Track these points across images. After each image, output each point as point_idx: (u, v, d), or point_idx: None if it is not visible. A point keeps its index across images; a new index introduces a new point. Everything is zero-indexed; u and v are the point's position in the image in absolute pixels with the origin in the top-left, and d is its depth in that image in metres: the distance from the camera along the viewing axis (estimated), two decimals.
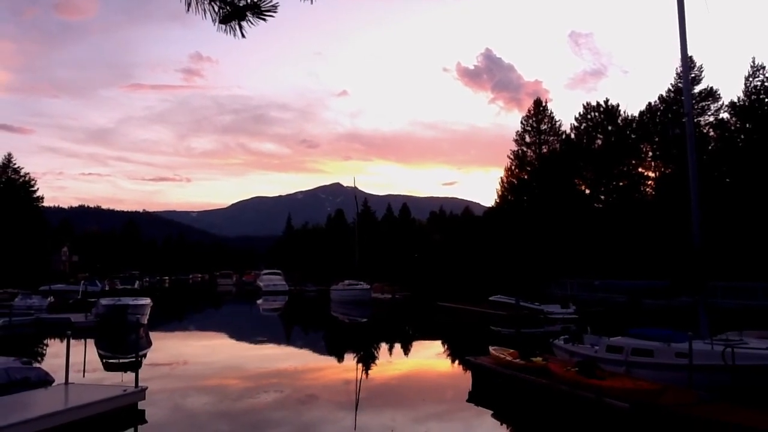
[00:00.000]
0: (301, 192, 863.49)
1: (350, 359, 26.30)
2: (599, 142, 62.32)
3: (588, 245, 53.61)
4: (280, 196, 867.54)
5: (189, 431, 13.89)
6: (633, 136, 59.86)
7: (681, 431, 11.78)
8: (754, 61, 49.28)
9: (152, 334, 33.44)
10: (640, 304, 32.70)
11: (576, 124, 64.70)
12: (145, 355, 25.47)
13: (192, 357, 26.05)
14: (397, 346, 31.44)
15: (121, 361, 24.24)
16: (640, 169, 59.97)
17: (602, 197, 61.90)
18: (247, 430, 13.94)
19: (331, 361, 27.01)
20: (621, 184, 59.72)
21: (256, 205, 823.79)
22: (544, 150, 68.85)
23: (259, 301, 69.30)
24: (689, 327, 17.23)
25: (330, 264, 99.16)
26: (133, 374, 15.20)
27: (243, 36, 2.96)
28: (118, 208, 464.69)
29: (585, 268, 50.33)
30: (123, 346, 28.19)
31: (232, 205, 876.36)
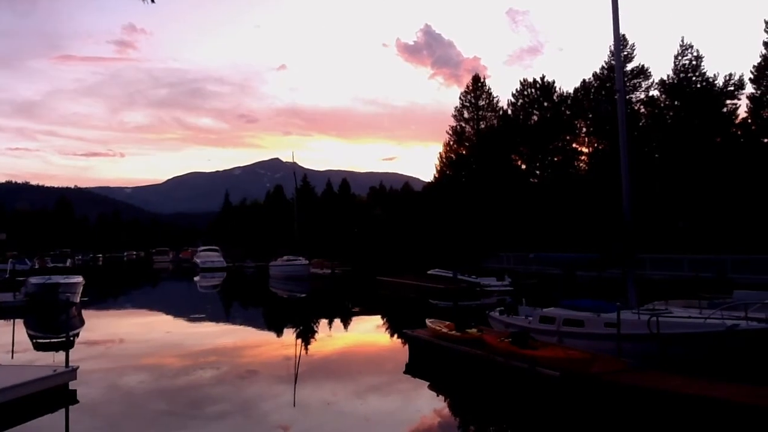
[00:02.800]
0: (239, 167, 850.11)
1: (289, 335, 26.25)
2: (535, 118, 63.29)
3: (524, 219, 54.60)
4: (217, 171, 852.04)
5: (124, 410, 13.60)
6: (568, 113, 60.98)
7: (609, 398, 12.17)
8: (683, 40, 50.74)
9: (85, 313, 32.59)
10: (573, 276, 33.59)
11: (513, 100, 65.54)
12: (77, 335, 24.84)
13: (128, 335, 25.52)
14: (337, 321, 31.53)
15: (51, 341, 23.56)
16: (574, 145, 61.22)
17: (538, 172, 63.03)
18: (186, 407, 13.76)
19: (270, 336, 26.89)
20: (556, 159, 60.88)
21: (193, 180, 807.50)
22: (482, 126, 69.52)
23: (197, 278, 68.43)
24: (619, 298, 17.80)
25: (269, 240, 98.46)
26: (65, 354, 14.81)
27: (152, 1, 2.85)
28: (48, 184, 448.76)
29: (521, 241, 51.29)
30: (54, 325, 27.41)
31: (168, 180, 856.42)
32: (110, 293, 52.74)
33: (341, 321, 31.55)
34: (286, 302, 44.62)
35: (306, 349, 22.24)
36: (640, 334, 14.27)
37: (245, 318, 34.54)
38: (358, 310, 36.39)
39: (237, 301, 46.53)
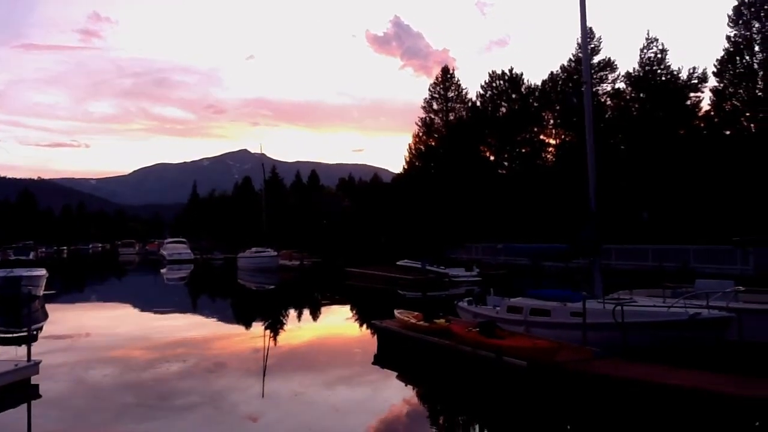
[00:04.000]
0: (207, 158, 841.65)
1: (258, 327, 26.11)
2: (504, 110, 63.65)
3: (492, 210, 54.97)
4: (185, 162, 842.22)
5: (89, 404, 13.43)
6: (536, 105, 61.44)
7: (575, 387, 12.34)
8: (648, 34, 51.38)
9: (49, 307, 32.05)
10: (541, 266, 33.95)
11: (482, 92, 65.81)
12: (40, 329, 24.39)
13: (93, 329, 25.13)
14: (306, 312, 31.50)
15: (13, 335, 23.11)
16: (542, 137, 61.75)
17: (506, 164, 63.47)
18: (153, 400, 13.62)
19: (238, 328, 26.74)
20: (524, 151, 61.35)
21: (160, 172, 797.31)
22: (451, 117, 69.77)
23: (163, 271, 67.74)
24: (585, 287, 18.03)
25: (237, 232, 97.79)
26: (26, 348, 14.53)
27: None
28: (10, 175, 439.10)
29: (489, 232, 51.65)
30: (16, 319, 26.89)
31: (135, 172, 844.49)
32: (75, 286, 51.95)
33: (310, 312, 31.50)
34: (255, 294, 44.39)
35: (275, 340, 22.17)
36: (605, 323, 14.47)
37: (213, 310, 34.28)
38: (327, 302, 36.38)
39: (205, 294, 46.16)
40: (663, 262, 32.82)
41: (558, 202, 44.46)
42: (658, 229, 40.61)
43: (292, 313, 31.40)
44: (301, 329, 25.59)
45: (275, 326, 26.18)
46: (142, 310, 32.71)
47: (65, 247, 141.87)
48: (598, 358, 13.27)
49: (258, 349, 19.80)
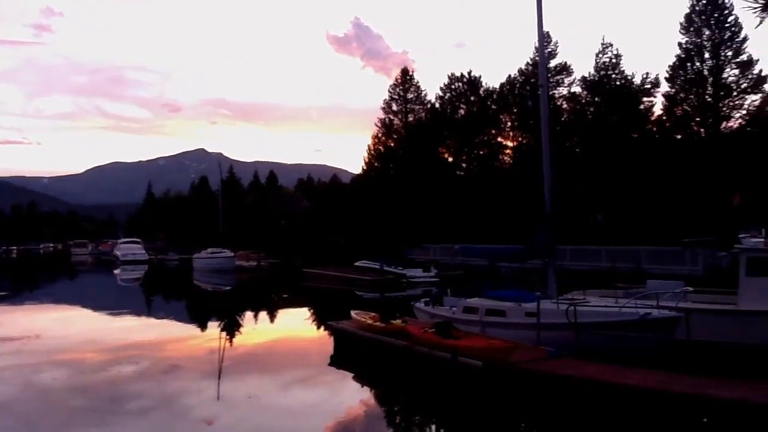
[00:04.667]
0: (163, 157, 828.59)
1: (214, 328, 25.84)
2: (462, 112, 64.11)
3: (451, 211, 55.30)
4: (140, 161, 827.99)
5: (39, 408, 13.13)
6: (494, 107, 62.03)
7: (529, 386, 12.50)
8: (603, 39, 52.39)
9: None
10: (497, 267, 34.30)
11: (441, 93, 66.19)
12: None
13: (43, 331, 24.57)
14: (262, 314, 31.28)
15: None
16: (499, 139, 62.34)
17: (464, 165, 63.93)
18: (106, 403, 13.39)
19: (194, 330, 26.41)
20: (482, 152, 61.86)
21: (115, 171, 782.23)
22: (411, 118, 70.02)
23: (117, 271, 66.59)
24: (540, 288, 18.28)
25: (193, 232, 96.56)
26: None
27: None
28: None
29: (448, 233, 51.95)
30: None
31: (88, 171, 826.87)
32: (25, 287, 50.68)
33: (267, 313, 31.30)
34: (210, 295, 43.91)
35: (231, 342, 21.99)
36: (558, 323, 14.69)
37: (168, 312, 33.81)
38: (284, 303, 36.17)
39: (159, 295, 45.51)
40: (616, 263, 33.46)
41: (515, 203, 44.98)
42: (612, 230, 41.39)
43: (249, 314, 31.12)
44: (257, 331, 25.41)
45: (231, 328, 25.94)
46: (95, 311, 32.08)
47: (15, 248, 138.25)
48: (551, 357, 13.46)
49: (213, 351, 19.60)
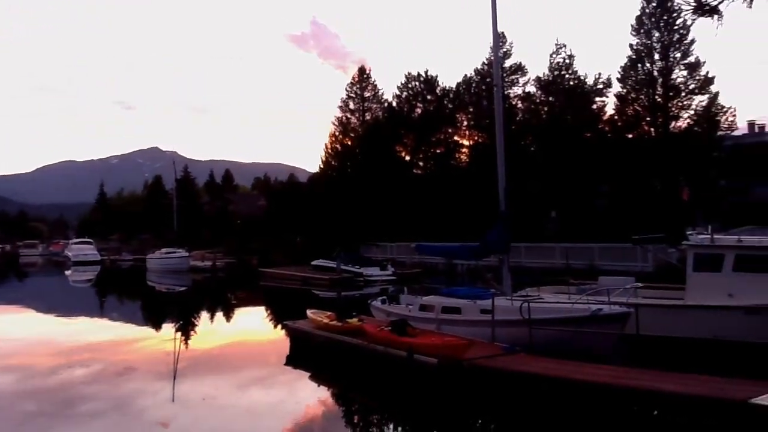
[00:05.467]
0: (116, 156, 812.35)
1: (169, 329, 25.52)
2: (419, 111, 64.39)
3: (408, 210, 55.48)
4: (92, 160, 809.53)
5: None
6: (450, 106, 62.43)
7: (483, 383, 12.64)
8: (557, 40, 53.19)
9: None
10: (454, 265, 34.56)
11: (398, 92, 66.37)
12: None
13: None
14: (218, 314, 30.98)
15: None
16: (456, 138, 62.76)
17: (421, 164, 64.21)
18: (57, 407, 13.13)
19: (148, 332, 26.03)
20: (439, 151, 62.20)
21: (66, 170, 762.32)
22: (368, 117, 70.06)
23: (68, 272, 65.16)
24: (495, 285, 18.48)
25: (147, 232, 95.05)
26: None
27: None
28: None
29: (405, 231, 52.10)
30: None
31: (38, 169, 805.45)
32: None
33: (222, 314, 31.01)
34: (165, 296, 43.29)
35: (186, 343, 21.78)
36: (513, 319, 14.89)
37: (121, 313, 33.19)
38: (240, 303, 35.87)
39: (112, 296, 44.69)
40: (569, 260, 34.04)
41: (471, 201, 45.36)
42: (566, 227, 42.08)
43: (204, 315, 30.82)
44: (213, 331, 25.17)
45: (186, 329, 25.65)
46: (45, 313, 31.33)
47: None
48: (505, 354, 13.63)
49: (168, 352, 19.34)
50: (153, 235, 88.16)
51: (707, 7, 7.81)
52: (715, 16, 7.96)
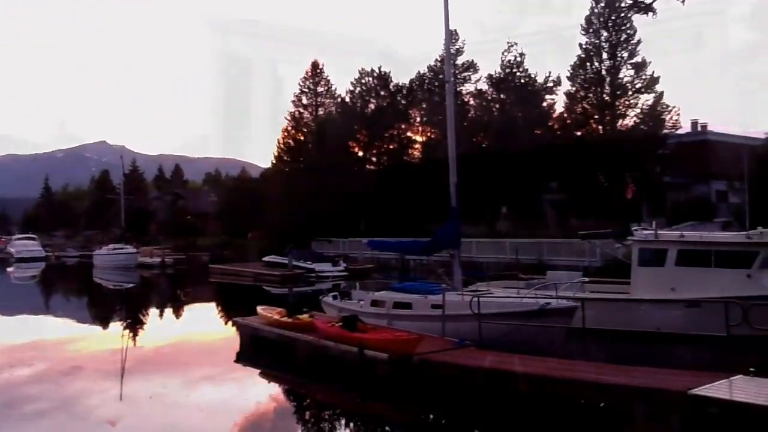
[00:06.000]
0: (61, 150, 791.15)
1: (116, 327, 25.04)
2: (372, 106, 64.42)
3: (361, 205, 55.46)
4: (37, 154, 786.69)
5: None
6: (403, 102, 62.63)
7: (433, 377, 12.74)
8: (509, 39, 53.98)
9: None
10: (406, 260, 34.72)
11: (351, 88, 66.27)
12: None
13: None
14: (167, 311, 30.52)
15: None
16: (409, 134, 63.04)
17: (374, 159, 64.31)
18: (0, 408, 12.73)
19: (94, 329, 25.53)
20: (392, 147, 62.39)
21: (9, 164, 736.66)
22: (321, 112, 69.82)
23: (11, 269, 63.24)
24: (446, 280, 18.63)
25: (94, 228, 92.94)
26: None
27: None
28: None
29: (358, 227, 52.10)
30: None
31: None
32: None
33: (171, 311, 30.54)
34: (112, 293, 42.44)
35: (134, 341, 21.41)
36: (463, 314, 15.03)
37: (67, 311, 32.34)
38: (190, 299, 35.37)
39: (58, 293, 43.59)
40: (519, 255, 34.51)
41: (423, 197, 45.62)
42: (516, 223, 42.68)
43: (153, 312, 30.31)
44: (161, 329, 24.83)
45: (134, 326, 25.20)
46: None
47: None
48: (455, 348, 13.77)
49: (116, 350, 18.94)
50: (100, 231, 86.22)
51: (643, 5, 8.14)
52: (650, 13, 8.28)
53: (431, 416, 12.38)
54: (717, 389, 9.77)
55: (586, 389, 10.99)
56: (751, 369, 10.61)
